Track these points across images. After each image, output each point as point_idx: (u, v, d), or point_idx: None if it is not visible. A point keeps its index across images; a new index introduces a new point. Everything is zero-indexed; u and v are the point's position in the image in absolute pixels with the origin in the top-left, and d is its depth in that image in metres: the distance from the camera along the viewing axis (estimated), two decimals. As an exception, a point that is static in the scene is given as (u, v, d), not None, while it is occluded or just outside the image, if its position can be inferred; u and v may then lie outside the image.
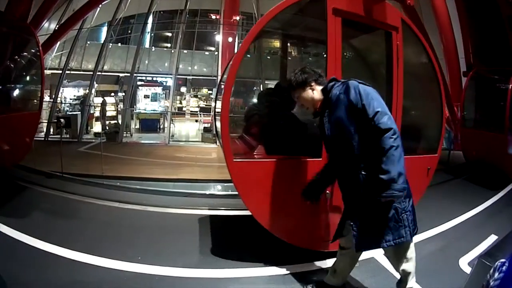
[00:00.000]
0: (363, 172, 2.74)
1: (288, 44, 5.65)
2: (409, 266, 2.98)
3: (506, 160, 7.98)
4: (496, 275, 1.90)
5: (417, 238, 4.57)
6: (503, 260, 1.95)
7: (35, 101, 7.97)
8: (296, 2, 3.75)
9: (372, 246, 2.87)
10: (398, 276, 3.13)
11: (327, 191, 3.74)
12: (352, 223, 2.83)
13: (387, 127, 2.58)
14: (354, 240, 2.80)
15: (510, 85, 7.92)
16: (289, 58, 5.69)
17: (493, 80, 9.18)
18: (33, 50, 7.81)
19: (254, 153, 4.32)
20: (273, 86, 4.94)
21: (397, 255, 2.98)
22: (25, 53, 7.79)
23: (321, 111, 2.95)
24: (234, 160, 3.61)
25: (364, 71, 5.03)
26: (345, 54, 4.82)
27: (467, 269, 4.02)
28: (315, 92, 2.95)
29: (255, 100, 4.74)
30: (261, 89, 13.95)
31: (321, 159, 3.77)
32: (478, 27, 9.49)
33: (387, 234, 2.74)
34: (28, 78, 8.13)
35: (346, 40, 4.55)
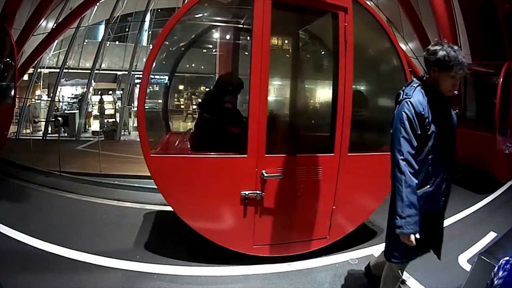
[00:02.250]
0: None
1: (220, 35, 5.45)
2: None
3: (495, 162, 7.46)
4: (501, 273, 1.91)
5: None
6: (507, 258, 1.96)
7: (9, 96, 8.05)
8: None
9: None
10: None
11: (258, 191, 3.62)
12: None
13: None
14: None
15: (501, 79, 7.27)
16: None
17: (482, 75, 8.61)
18: (6, 48, 7.81)
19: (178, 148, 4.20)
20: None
21: None
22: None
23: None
24: (152, 155, 3.51)
25: (301, 60, 4.79)
26: (277, 42, 4.60)
27: (467, 266, 4.02)
28: None
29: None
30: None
31: (246, 155, 3.59)
32: (473, 21, 9.19)
33: None
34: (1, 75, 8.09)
35: (281, 26, 4.28)
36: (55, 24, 13.92)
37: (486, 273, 2.07)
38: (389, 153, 4.20)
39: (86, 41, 18.56)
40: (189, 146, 4.29)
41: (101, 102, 17.84)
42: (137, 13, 19.02)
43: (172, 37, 4.61)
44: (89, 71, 16.37)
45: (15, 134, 14.90)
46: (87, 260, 3.84)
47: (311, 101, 4.54)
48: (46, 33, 12.44)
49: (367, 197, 4.23)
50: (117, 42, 20.88)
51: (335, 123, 3.78)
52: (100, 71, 16.90)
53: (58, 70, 16.21)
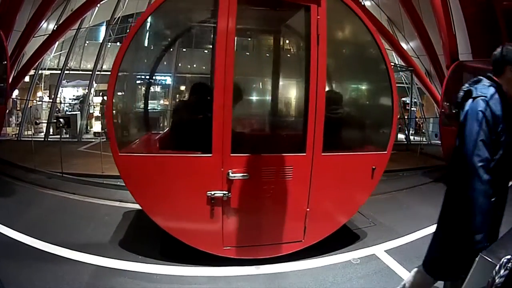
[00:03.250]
0: None
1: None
2: None
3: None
4: (502, 272, 1.82)
5: (414, 236, 4.73)
6: (509, 256, 1.85)
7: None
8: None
9: None
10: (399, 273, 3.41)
11: (225, 191, 3.51)
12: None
13: None
14: None
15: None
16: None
17: (478, 72, 8.30)
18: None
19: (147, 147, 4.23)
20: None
21: None
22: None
23: None
24: (120, 154, 3.50)
25: (271, 57, 4.62)
26: (245, 38, 4.49)
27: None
28: None
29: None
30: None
31: (211, 155, 3.48)
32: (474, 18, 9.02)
33: None
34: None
35: (248, 21, 4.17)
36: (56, 26, 13.99)
37: (487, 273, 1.95)
38: (368, 153, 4.12)
39: (87, 42, 18.56)
40: (158, 145, 4.23)
41: (102, 103, 17.87)
42: (138, 14, 18.92)
43: (148, 37, 4.55)
44: (91, 72, 16.40)
45: (16, 135, 15.00)
46: (87, 260, 3.84)
47: (282, 98, 4.41)
48: (47, 35, 12.49)
49: (346, 199, 4.08)
50: (118, 43, 20.70)
51: (307, 121, 3.63)
52: (102, 73, 16.89)
53: (59, 72, 16.28)
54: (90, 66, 17.52)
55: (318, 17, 3.58)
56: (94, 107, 18.00)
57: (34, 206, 5.48)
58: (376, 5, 16.22)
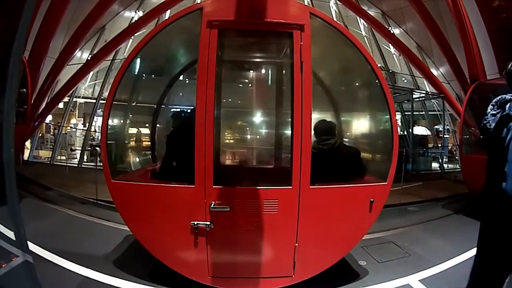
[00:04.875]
0: None
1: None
2: None
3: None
4: None
5: (448, 264, 4.60)
6: None
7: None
8: (171, 23, 3.64)
9: None
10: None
11: (207, 222, 3.44)
12: None
13: None
14: None
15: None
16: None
17: (500, 90, 7.81)
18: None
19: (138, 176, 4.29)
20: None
21: None
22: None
23: None
24: (113, 180, 3.59)
25: (254, 87, 4.56)
26: (224, 69, 4.46)
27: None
28: None
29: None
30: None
31: (194, 186, 3.45)
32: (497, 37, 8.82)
33: None
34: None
35: (230, 52, 4.17)
36: (89, 55, 14.61)
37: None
38: (364, 184, 3.93)
39: (122, 73, 19.19)
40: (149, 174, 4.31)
41: (138, 134, 18.40)
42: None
43: (139, 71, 4.68)
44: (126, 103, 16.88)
45: (49, 159, 15.60)
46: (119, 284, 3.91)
47: (266, 129, 4.33)
48: (81, 64, 13.03)
49: (341, 233, 3.80)
50: (153, 76, 21.15)
51: (292, 153, 3.48)
52: (137, 104, 17.40)
53: (93, 101, 16.91)
54: (124, 97, 18.03)
55: (302, 43, 3.49)
56: (130, 138, 18.46)
57: (66, 229, 5.69)
58: (404, 32, 16.08)
